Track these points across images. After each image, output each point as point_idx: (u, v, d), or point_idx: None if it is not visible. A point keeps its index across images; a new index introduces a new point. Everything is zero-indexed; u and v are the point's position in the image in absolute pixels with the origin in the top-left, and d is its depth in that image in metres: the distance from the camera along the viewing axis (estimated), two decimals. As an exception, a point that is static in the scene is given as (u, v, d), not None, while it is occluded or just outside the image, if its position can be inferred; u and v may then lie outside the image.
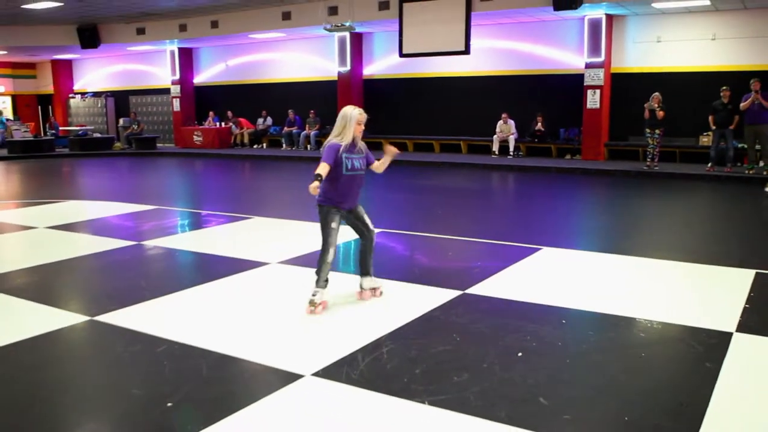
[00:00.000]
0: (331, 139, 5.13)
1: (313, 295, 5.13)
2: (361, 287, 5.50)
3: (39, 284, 6.25)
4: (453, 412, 3.47)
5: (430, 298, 5.46)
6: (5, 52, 23.83)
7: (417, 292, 5.66)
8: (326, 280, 5.19)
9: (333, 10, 17.11)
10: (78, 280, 6.64)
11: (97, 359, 4.49)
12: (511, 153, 17.16)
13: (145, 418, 3.50)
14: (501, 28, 17.69)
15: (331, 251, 5.16)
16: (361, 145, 5.25)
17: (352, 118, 5.09)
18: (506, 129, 17.32)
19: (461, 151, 18.62)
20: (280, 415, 3.50)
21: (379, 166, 5.34)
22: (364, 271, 5.50)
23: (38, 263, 6.95)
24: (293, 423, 3.41)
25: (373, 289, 5.52)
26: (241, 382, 4.02)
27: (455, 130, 18.72)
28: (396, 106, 19.62)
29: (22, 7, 17.17)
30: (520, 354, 4.26)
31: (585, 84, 16.14)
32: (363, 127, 5.18)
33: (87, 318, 5.07)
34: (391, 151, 5.27)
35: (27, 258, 7.26)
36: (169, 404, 3.62)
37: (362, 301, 5.44)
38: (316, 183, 4.88)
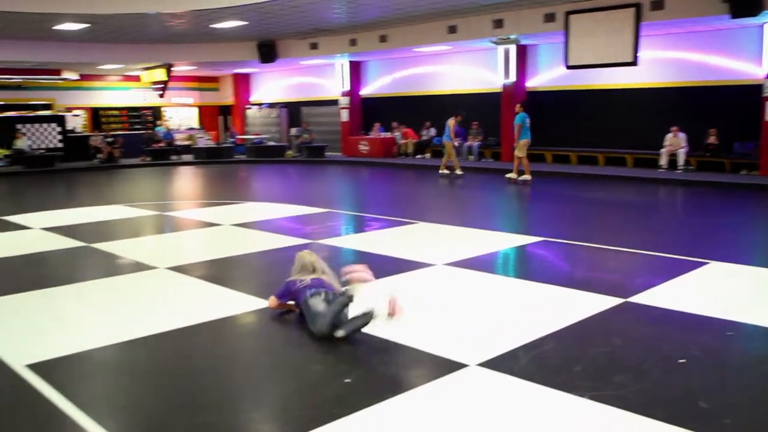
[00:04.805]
0: (290, 278, 5.33)
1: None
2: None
3: (230, 273, 7.02)
4: (612, 407, 3.62)
5: (591, 303, 5.56)
6: (195, 68, 26.04)
7: (578, 297, 5.78)
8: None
9: (498, 23, 17.30)
10: (261, 270, 7.36)
11: (281, 337, 5.03)
12: (681, 167, 16.54)
13: (325, 389, 3.95)
14: (670, 38, 17.11)
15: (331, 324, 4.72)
16: (327, 278, 5.24)
17: (301, 259, 5.37)
18: (676, 142, 16.72)
19: (626, 165, 18.18)
20: (447, 397, 3.81)
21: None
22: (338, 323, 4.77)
23: (227, 255, 7.77)
24: (459, 405, 3.71)
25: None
26: (411, 367, 4.41)
27: (620, 143, 18.29)
28: (559, 117, 19.44)
29: (211, 26, 18.76)
30: (681, 360, 4.31)
31: (764, 95, 15.26)
32: (318, 264, 5.31)
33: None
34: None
35: (217, 251, 8.13)
36: (347, 380, 4.05)
37: (523, 303, 5.66)
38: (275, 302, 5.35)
